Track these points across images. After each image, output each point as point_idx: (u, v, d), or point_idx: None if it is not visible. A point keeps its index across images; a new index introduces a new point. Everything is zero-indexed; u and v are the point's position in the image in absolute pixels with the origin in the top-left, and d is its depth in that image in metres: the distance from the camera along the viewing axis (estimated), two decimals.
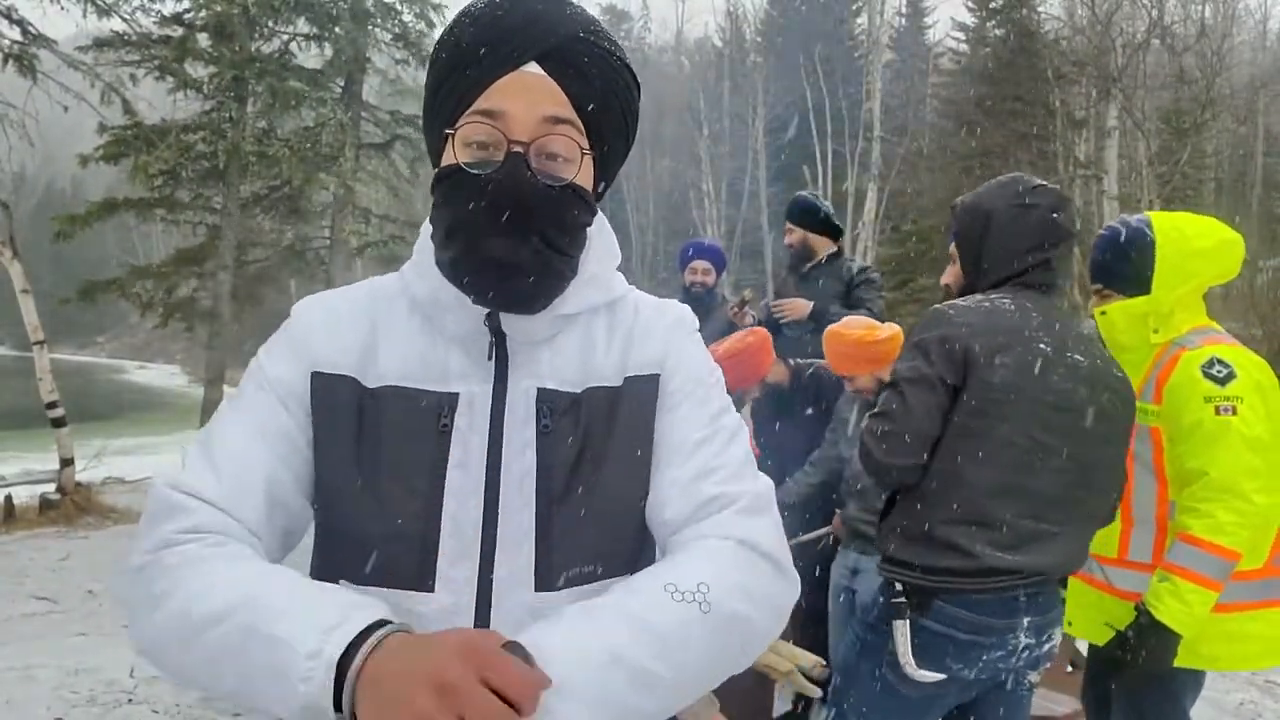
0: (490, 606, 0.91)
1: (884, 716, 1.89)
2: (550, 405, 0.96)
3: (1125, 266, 2.20)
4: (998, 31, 24.37)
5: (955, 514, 1.79)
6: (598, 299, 1.03)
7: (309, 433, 0.96)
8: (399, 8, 13.78)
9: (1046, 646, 1.90)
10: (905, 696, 1.84)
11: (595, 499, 0.94)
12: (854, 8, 31.60)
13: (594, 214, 1.00)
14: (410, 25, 13.75)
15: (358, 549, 0.92)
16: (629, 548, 0.97)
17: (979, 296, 1.92)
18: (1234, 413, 2.01)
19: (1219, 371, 2.05)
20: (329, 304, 1.03)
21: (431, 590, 0.90)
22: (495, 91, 0.92)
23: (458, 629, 0.83)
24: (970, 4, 25.91)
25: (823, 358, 4.06)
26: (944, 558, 1.79)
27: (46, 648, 4.35)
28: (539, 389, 0.96)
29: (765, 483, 0.99)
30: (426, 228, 1.03)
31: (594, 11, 1.02)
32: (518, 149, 0.91)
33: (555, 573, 0.92)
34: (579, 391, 0.97)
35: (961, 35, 28.08)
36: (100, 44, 11.04)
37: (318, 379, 0.96)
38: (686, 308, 1.11)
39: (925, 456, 1.82)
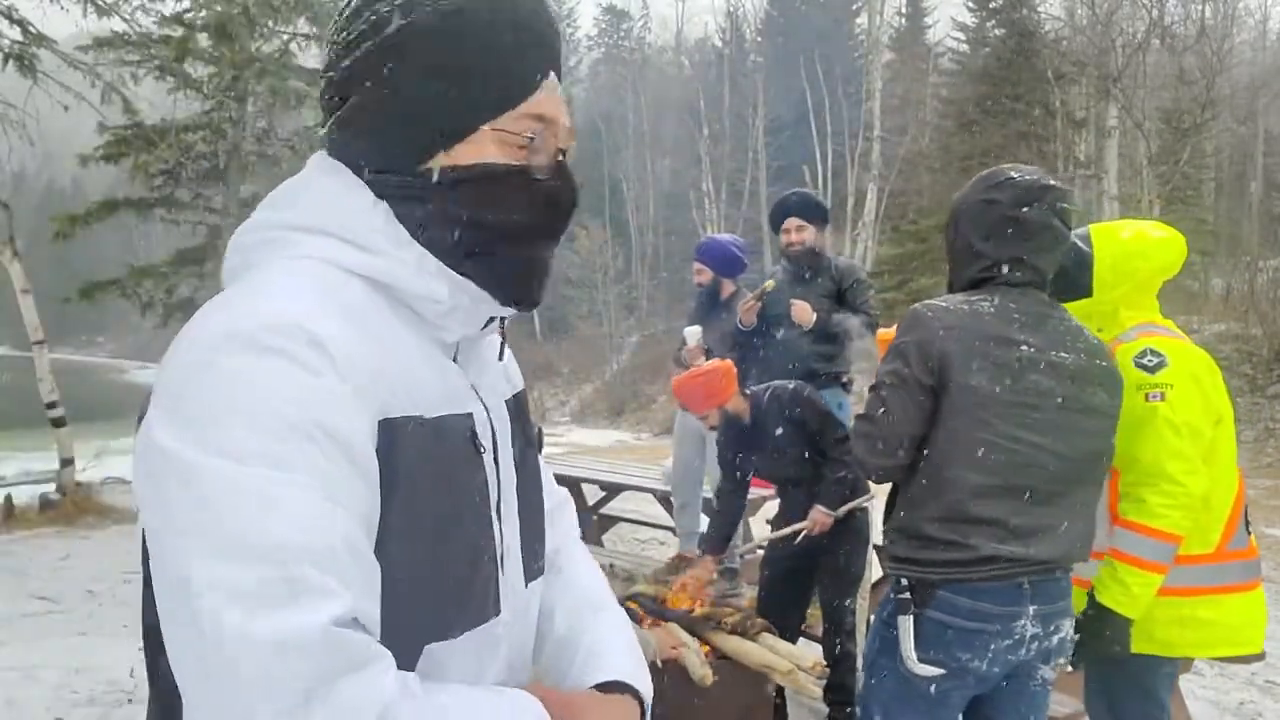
0: (508, 606, 0.94)
1: (903, 710, 1.92)
2: (513, 411, 1.01)
3: (1062, 281, 2.19)
4: (998, 31, 24.37)
5: (949, 514, 1.83)
6: None
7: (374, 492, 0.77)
8: None
9: (1056, 638, 1.92)
10: (923, 690, 1.87)
11: (535, 497, 1.02)
12: (854, 8, 31.59)
13: None
14: None
15: (444, 601, 0.84)
16: None
17: (959, 298, 1.93)
18: (1162, 399, 2.07)
19: (1150, 361, 2.12)
20: (341, 324, 0.79)
21: (499, 613, 0.90)
22: (544, 95, 0.89)
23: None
24: (970, 4, 25.92)
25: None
26: (944, 551, 1.82)
27: (47, 648, 4.34)
28: (507, 398, 1.00)
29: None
30: (375, 216, 0.86)
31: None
32: (561, 157, 0.91)
33: (534, 565, 1.00)
34: (511, 396, 1.03)
35: (961, 35, 28.08)
36: (100, 44, 10.99)
37: (386, 426, 0.78)
38: None
39: (906, 455, 1.88)
